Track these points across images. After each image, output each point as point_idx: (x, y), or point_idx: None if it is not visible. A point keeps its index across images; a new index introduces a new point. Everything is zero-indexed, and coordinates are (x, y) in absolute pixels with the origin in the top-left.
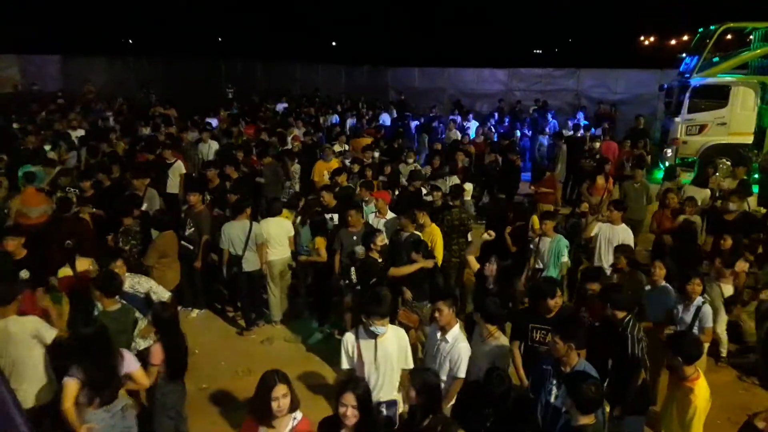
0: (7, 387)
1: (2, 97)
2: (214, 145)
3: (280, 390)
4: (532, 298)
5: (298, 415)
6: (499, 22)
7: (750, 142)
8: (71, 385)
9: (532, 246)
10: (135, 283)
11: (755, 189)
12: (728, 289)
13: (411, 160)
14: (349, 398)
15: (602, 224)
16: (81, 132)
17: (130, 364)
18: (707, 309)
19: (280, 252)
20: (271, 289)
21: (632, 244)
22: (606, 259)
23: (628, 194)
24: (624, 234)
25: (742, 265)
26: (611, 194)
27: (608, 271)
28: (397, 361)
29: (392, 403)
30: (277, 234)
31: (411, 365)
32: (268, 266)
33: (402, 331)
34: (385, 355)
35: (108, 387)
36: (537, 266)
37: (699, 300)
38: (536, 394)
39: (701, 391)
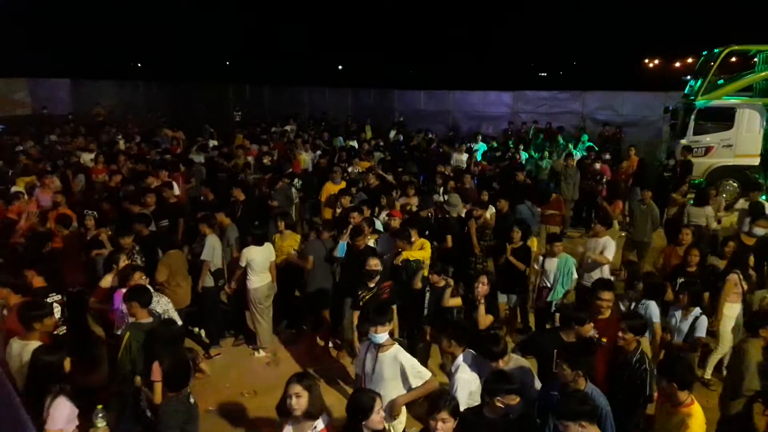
0: (11, 382)
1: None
2: None
3: (294, 388)
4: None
5: (320, 424)
6: (504, 45)
7: (757, 163)
8: None
9: (536, 265)
10: (154, 302)
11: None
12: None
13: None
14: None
15: (589, 239)
16: (91, 155)
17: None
18: (703, 320)
19: (263, 278)
20: (260, 315)
21: (611, 253)
22: (587, 274)
23: (634, 214)
24: (605, 243)
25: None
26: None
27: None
28: (389, 382)
29: None
30: (261, 261)
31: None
32: (255, 293)
33: (402, 354)
34: (380, 371)
35: None
36: (543, 285)
37: (696, 311)
38: (543, 420)
39: (698, 416)
